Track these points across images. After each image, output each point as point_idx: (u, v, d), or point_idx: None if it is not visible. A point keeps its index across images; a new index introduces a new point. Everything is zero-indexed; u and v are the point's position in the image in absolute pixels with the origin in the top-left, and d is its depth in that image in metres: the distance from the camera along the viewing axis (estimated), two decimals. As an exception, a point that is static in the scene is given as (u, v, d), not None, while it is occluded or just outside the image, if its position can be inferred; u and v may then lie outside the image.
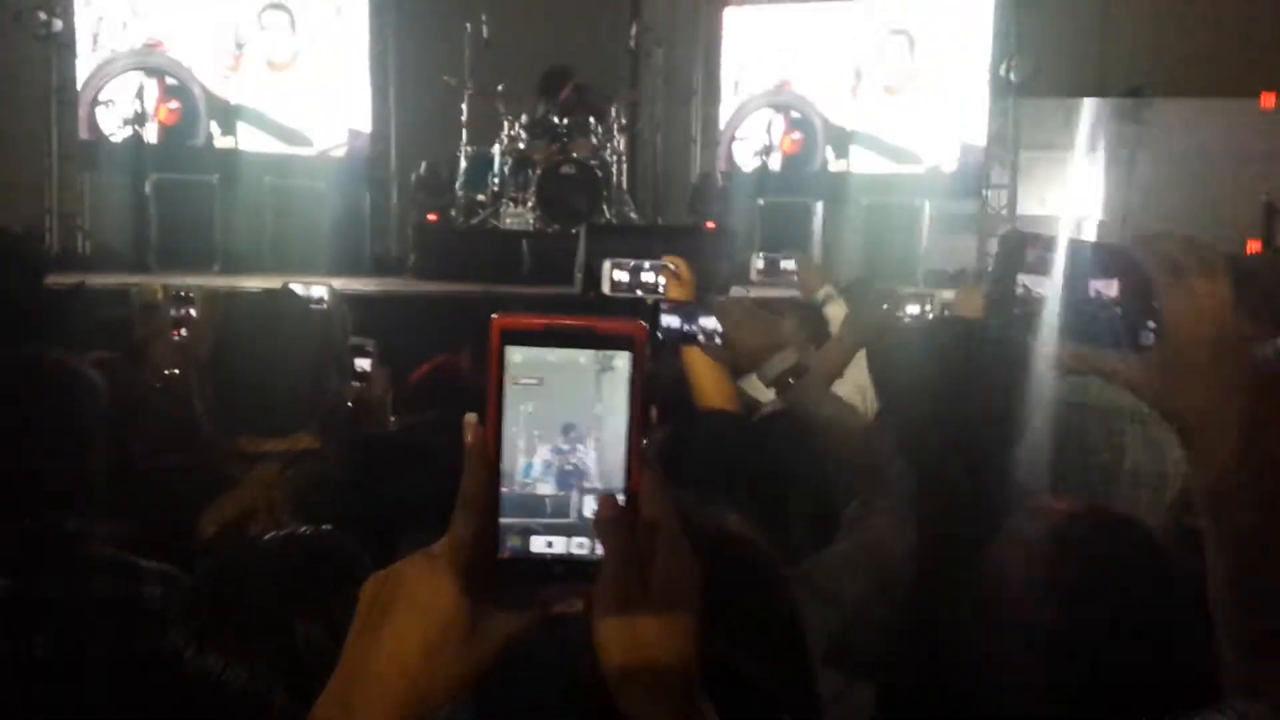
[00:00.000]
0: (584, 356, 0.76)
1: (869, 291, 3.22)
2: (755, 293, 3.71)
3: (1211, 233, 8.89)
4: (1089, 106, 9.46)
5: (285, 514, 1.99)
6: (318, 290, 3.46)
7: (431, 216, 8.34)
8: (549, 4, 9.58)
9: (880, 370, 2.28)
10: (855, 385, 3.10)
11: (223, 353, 2.44)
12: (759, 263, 3.56)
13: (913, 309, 3.37)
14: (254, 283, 5.94)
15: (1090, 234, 8.64)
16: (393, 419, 3.24)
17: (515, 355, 0.77)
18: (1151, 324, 0.90)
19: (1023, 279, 0.93)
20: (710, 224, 8.47)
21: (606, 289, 2.68)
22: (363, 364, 3.14)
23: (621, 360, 0.76)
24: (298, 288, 3.45)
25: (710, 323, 2.10)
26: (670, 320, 2.11)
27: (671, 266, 2.62)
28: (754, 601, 1.08)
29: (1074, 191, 9.56)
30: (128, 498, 2.08)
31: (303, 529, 1.30)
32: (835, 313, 3.25)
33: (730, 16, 9.98)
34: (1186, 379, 0.89)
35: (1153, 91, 9.08)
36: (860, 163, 9.79)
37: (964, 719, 1.26)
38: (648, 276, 2.63)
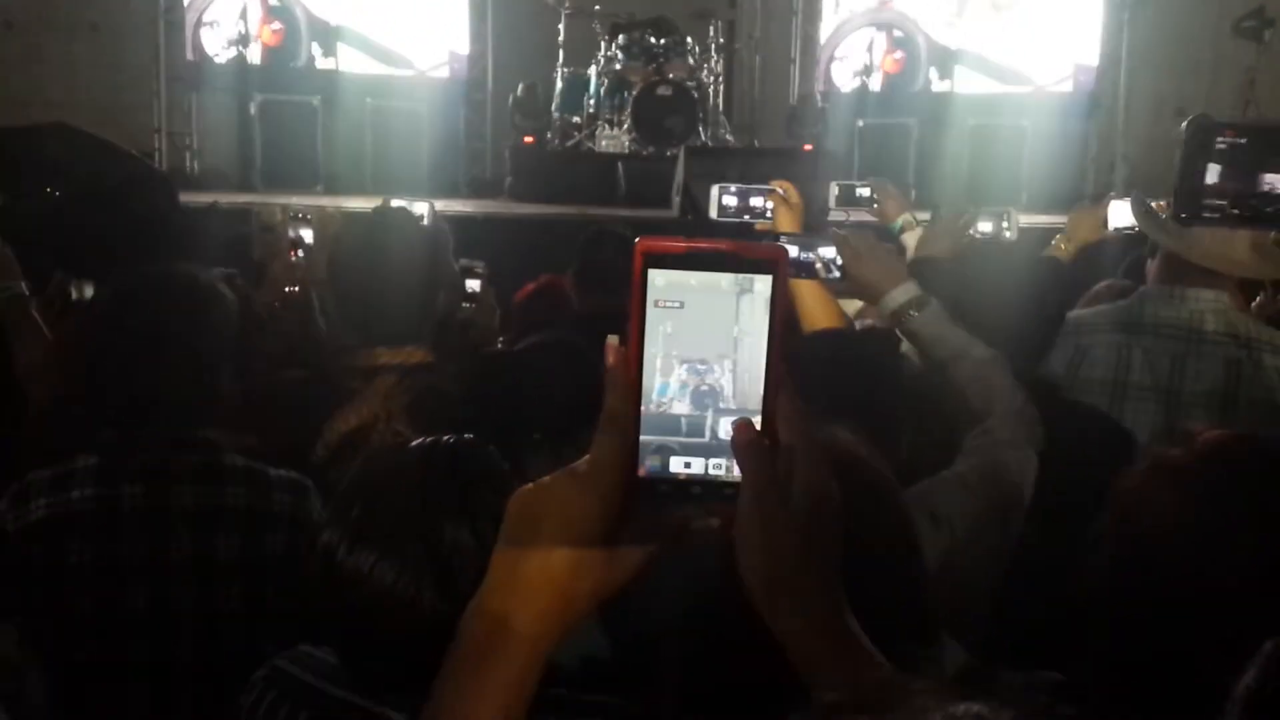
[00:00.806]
0: (725, 280, 0.77)
1: (944, 214, 3.11)
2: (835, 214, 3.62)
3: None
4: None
5: (403, 424, 2.06)
6: (419, 207, 3.51)
7: (528, 139, 8.36)
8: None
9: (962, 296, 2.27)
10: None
11: (337, 270, 2.51)
12: (835, 189, 3.47)
13: (985, 226, 3.29)
14: (356, 203, 6.04)
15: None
16: (500, 338, 3.30)
17: (657, 278, 0.77)
18: None
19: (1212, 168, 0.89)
20: (808, 146, 8.34)
21: (714, 213, 2.67)
22: (471, 284, 3.19)
23: (762, 284, 0.77)
24: (398, 204, 3.51)
25: (829, 253, 2.08)
26: (790, 249, 2.11)
27: (780, 191, 2.59)
28: (872, 521, 1.10)
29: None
30: (254, 410, 2.18)
31: (447, 437, 1.35)
32: (913, 240, 3.18)
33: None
34: None
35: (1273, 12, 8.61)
36: (965, 83, 9.51)
37: (1075, 649, 1.26)
38: (756, 201, 2.62)
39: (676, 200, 6.36)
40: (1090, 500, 1.34)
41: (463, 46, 9.40)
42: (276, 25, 8.98)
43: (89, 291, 2.80)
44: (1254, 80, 8.57)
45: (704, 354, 0.77)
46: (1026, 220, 5.31)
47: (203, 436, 1.99)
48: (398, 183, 7.61)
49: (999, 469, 1.75)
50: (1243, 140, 0.84)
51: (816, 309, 2.25)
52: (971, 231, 3.26)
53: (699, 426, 0.78)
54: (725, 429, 0.78)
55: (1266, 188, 0.85)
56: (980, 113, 9.04)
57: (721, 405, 0.78)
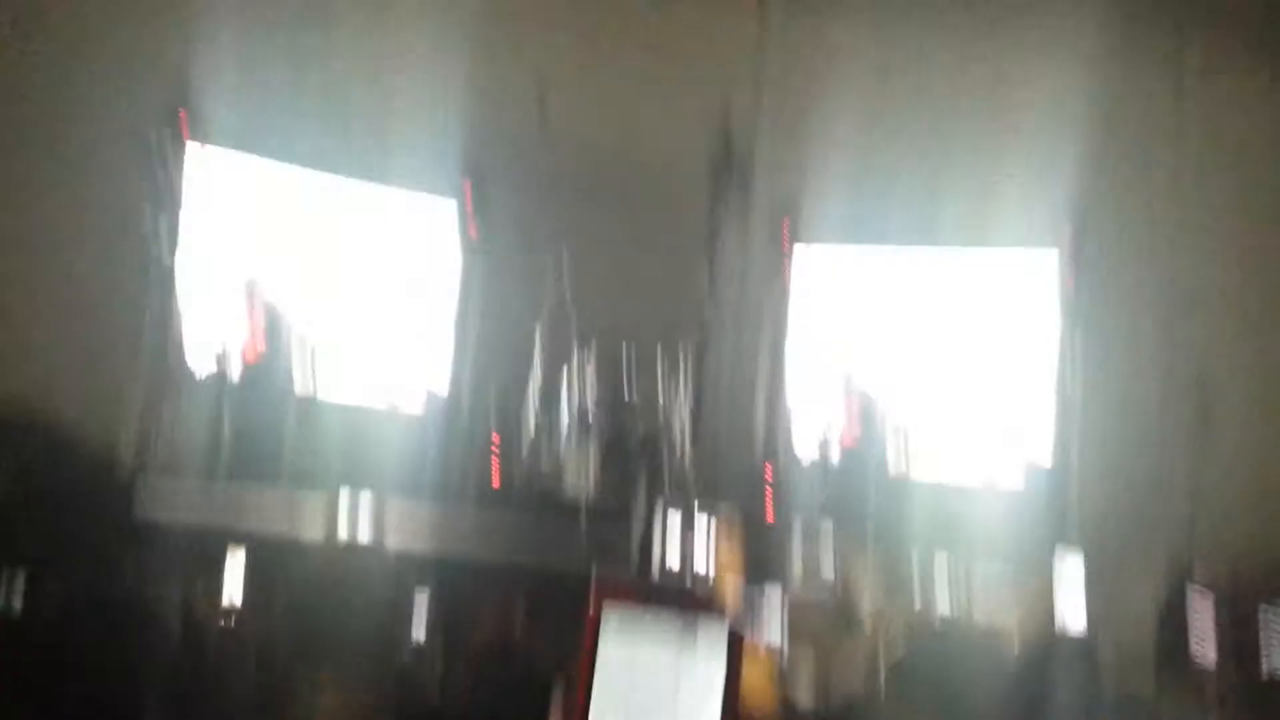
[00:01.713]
0: (675, 637, 0.76)
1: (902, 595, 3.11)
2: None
3: None
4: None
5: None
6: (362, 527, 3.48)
7: (494, 475, 8.44)
8: (625, 251, 10.03)
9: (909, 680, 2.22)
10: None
11: (284, 603, 2.45)
12: (799, 566, 3.47)
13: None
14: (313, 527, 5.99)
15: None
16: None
17: (611, 628, 0.77)
18: None
19: None
20: (769, 512, 8.42)
21: (655, 562, 2.66)
22: (418, 624, 3.13)
23: (714, 644, 0.76)
24: (344, 523, 3.48)
25: (772, 632, 2.06)
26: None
27: (722, 530, 2.60)
28: None
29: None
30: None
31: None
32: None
33: (800, 254, 10.16)
34: None
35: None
36: (923, 463, 9.73)
37: None
38: (698, 543, 2.61)
39: (636, 557, 6.34)
40: None
41: (440, 385, 9.66)
42: (261, 345, 9.25)
43: (15, 605, 2.72)
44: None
45: (659, 712, 0.75)
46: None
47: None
48: (359, 512, 7.53)
49: None
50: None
51: (754, 684, 2.20)
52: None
53: None
54: None
55: None
56: (936, 497, 9.20)
57: None
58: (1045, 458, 9.42)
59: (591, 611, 0.81)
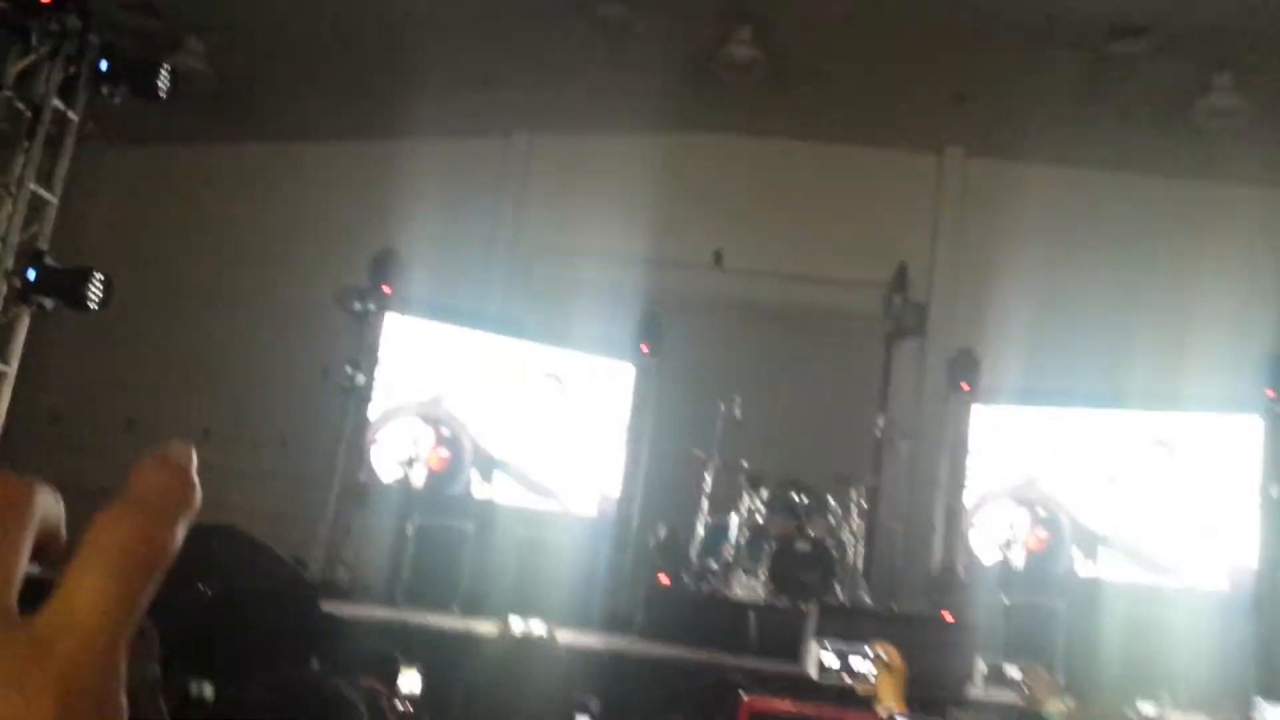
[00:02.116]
0: None
1: (1099, 697, 3.00)
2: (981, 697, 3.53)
3: None
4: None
5: None
6: (536, 624, 3.58)
7: (664, 579, 8.48)
8: (800, 392, 10.05)
9: None
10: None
11: (460, 694, 2.56)
12: (983, 667, 3.41)
13: (1148, 710, 3.13)
14: (486, 625, 6.14)
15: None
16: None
17: None
18: None
19: None
20: (947, 615, 8.17)
21: (813, 672, 2.65)
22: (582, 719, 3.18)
23: None
24: (516, 621, 3.58)
25: None
26: None
27: (883, 655, 2.57)
28: None
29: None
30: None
31: None
32: None
33: (978, 413, 10.09)
34: None
35: None
36: (1112, 569, 9.33)
37: None
38: (857, 662, 2.59)
39: (807, 657, 6.23)
40: None
41: (614, 489, 9.87)
42: (444, 452, 9.66)
43: (208, 691, 2.90)
44: None
45: None
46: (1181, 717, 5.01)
47: None
48: (534, 610, 7.73)
49: None
50: None
51: None
52: (1131, 715, 3.13)
53: None
54: None
55: None
56: (1131, 601, 8.76)
57: None
58: (1252, 557, 8.90)
59: None
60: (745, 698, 0.76)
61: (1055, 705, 3.21)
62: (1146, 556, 9.29)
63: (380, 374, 9.51)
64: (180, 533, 0.47)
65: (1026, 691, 3.33)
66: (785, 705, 0.70)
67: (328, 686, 2.22)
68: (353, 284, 9.51)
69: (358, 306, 9.41)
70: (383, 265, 9.52)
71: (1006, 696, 3.42)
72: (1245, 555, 9.01)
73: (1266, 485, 8.90)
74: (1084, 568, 9.45)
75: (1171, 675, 8.02)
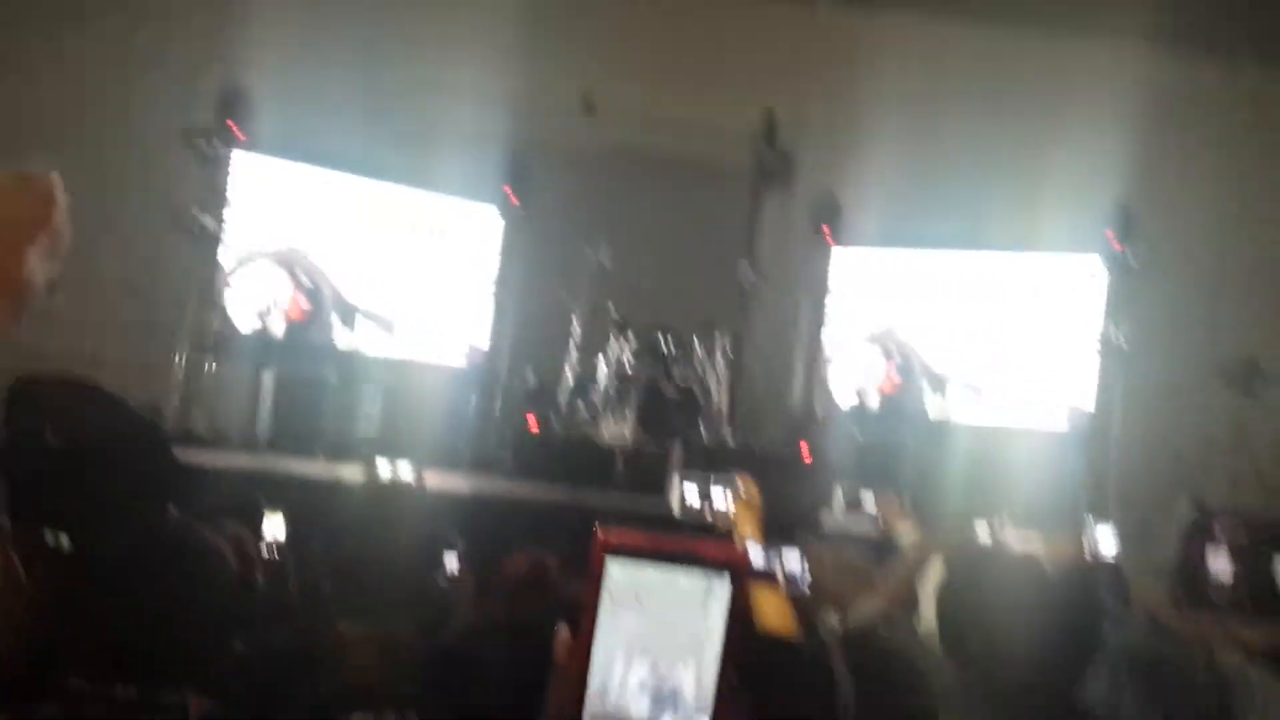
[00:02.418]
0: (684, 579, 0.76)
1: (941, 521, 3.20)
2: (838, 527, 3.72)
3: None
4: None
5: (377, 699, 2.02)
6: (403, 466, 3.58)
7: (532, 422, 8.55)
8: (668, 239, 10.05)
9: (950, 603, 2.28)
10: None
11: (321, 539, 2.53)
12: (840, 499, 3.57)
13: (983, 531, 3.33)
14: (352, 471, 6.11)
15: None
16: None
17: (616, 571, 0.77)
18: None
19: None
20: (805, 452, 8.48)
21: (676, 509, 2.71)
22: (450, 561, 3.20)
23: (720, 586, 0.75)
24: (383, 463, 3.57)
25: (793, 564, 2.10)
26: (752, 556, 2.11)
27: (741, 489, 2.64)
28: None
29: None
30: (228, 672, 2.14)
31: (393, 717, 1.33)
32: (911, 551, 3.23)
33: (838, 256, 10.30)
34: None
35: (1267, 365, 8.96)
36: (959, 410, 9.79)
37: None
38: (716, 497, 2.65)
39: (672, 496, 6.42)
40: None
41: (481, 336, 9.79)
42: (303, 301, 9.39)
43: (64, 541, 2.80)
44: (1245, 427, 8.82)
45: (667, 654, 0.74)
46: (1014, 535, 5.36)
47: (171, 699, 1.94)
48: (399, 455, 7.72)
49: None
50: (1235, 535, 0.88)
51: (772, 614, 2.24)
52: (965, 535, 3.32)
53: None
54: None
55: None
56: (975, 439, 9.23)
57: (681, 710, 0.75)
58: (1089, 401, 9.45)
59: (594, 567, 0.82)
60: (598, 532, 0.77)
61: (905, 530, 3.38)
62: (992, 398, 9.76)
63: (231, 218, 9.11)
64: (36, 258, 0.40)
65: (879, 519, 3.49)
66: (637, 538, 0.71)
67: (190, 532, 2.16)
68: (199, 123, 8.98)
69: (204, 146, 8.91)
70: (230, 103, 8.99)
71: (861, 524, 3.58)
72: (1082, 397, 9.54)
73: (1105, 328, 9.37)
74: (934, 408, 9.90)
75: (1010, 504, 8.58)
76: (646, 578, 0.75)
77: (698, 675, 0.75)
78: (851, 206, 10.16)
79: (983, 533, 3.46)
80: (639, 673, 0.75)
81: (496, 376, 9.73)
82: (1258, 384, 8.81)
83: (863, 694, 2.03)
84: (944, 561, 3.18)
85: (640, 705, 0.75)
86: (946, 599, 2.69)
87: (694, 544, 0.76)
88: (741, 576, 0.74)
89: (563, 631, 0.75)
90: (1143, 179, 9.55)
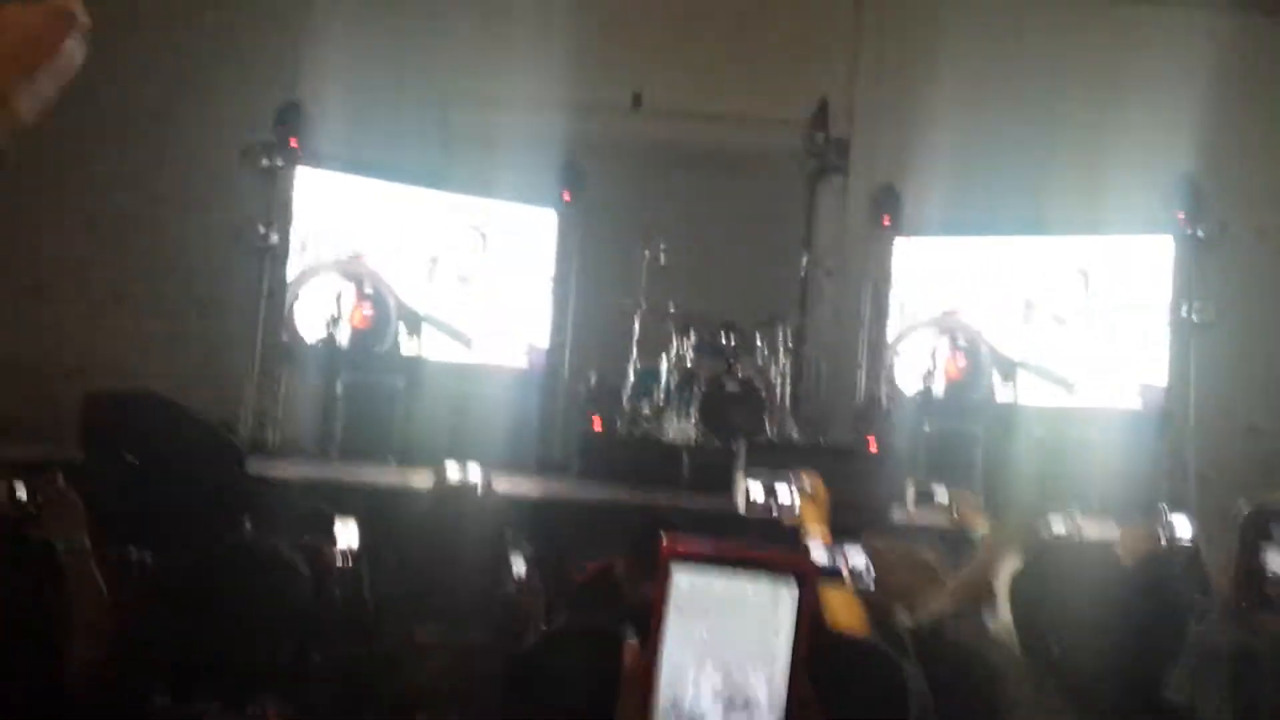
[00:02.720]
0: (751, 585, 0.75)
1: (1015, 513, 3.14)
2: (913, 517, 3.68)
3: None
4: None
5: (453, 709, 2.04)
6: (472, 469, 3.58)
7: (597, 424, 8.57)
8: (724, 234, 10.02)
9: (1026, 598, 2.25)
10: (1002, 624, 3.01)
11: (394, 546, 2.56)
12: (912, 492, 3.52)
13: (1059, 526, 3.27)
14: (421, 476, 6.18)
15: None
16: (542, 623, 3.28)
17: (683, 581, 0.76)
18: None
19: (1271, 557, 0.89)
20: (872, 444, 8.42)
21: (742, 508, 2.69)
22: (519, 567, 3.20)
23: (790, 593, 0.75)
24: (452, 467, 3.57)
25: (859, 561, 2.07)
26: (817, 555, 2.09)
27: (807, 484, 2.61)
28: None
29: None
30: (308, 685, 2.18)
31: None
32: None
33: (900, 246, 10.19)
34: None
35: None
36: (1029, 393, 9.65)
37: None
38: (783, 493, 2.63)
39: (739, 494, 6.39)
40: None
41: (542, 339, 9.86)
42: (368, 310, 9.53)
43: (146, 557, 2.87)
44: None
45: (738, 662, 0.74)
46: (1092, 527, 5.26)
47: (254, 711, 1.97)
48: (469, 460, 7.77)
49: None
50: None
51: (841, 613, 2.23)
52: (1041, 531, 3.26)
53: None
54: None
55: None
56: (1046, 423, 9.08)
57: (757, 716, 0.75)
58: (1160, 376, 9.27)
59: (660, 576, 0.82)
60: (665, 539, 0.77)
61: (977, 523, 3.33)
62: (1061, 379, 9.60)
63: (295, 232, 9.27)
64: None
65: (954, 514, 3.44)
66: (703, 546, 0.71)
67: (265, 547, 2.20)
68: (258, 139, 9.15)
69: (265, 162, 9.08)
70: (288, 118, 9.15)
71: (934, 519, 3.53)
72: (1155, 375, 9.35)
73: (1176, 305, 9.17)
74: (1002, 393, 9.76)
75: (1085, 491, 8.44)
76: (713, 585, 0.75)
77: (770, 682, 0.75)
78: (911, 194, 10.04)
79: (1056, 524, 3.39)
80: (712, 681, 0.75)
81: (559, 378, 9.78)
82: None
83: (936, 691, 2.01)
84: (1019, 555, 3.14)
85: (714, 714, 0.75)
86: (1021, 593, 2.66)
87: (760, 551, 0.76)
88: (809, 581, 0.73)
89: (631, 641, 0.74)
90: (1211, 153, 9.33)
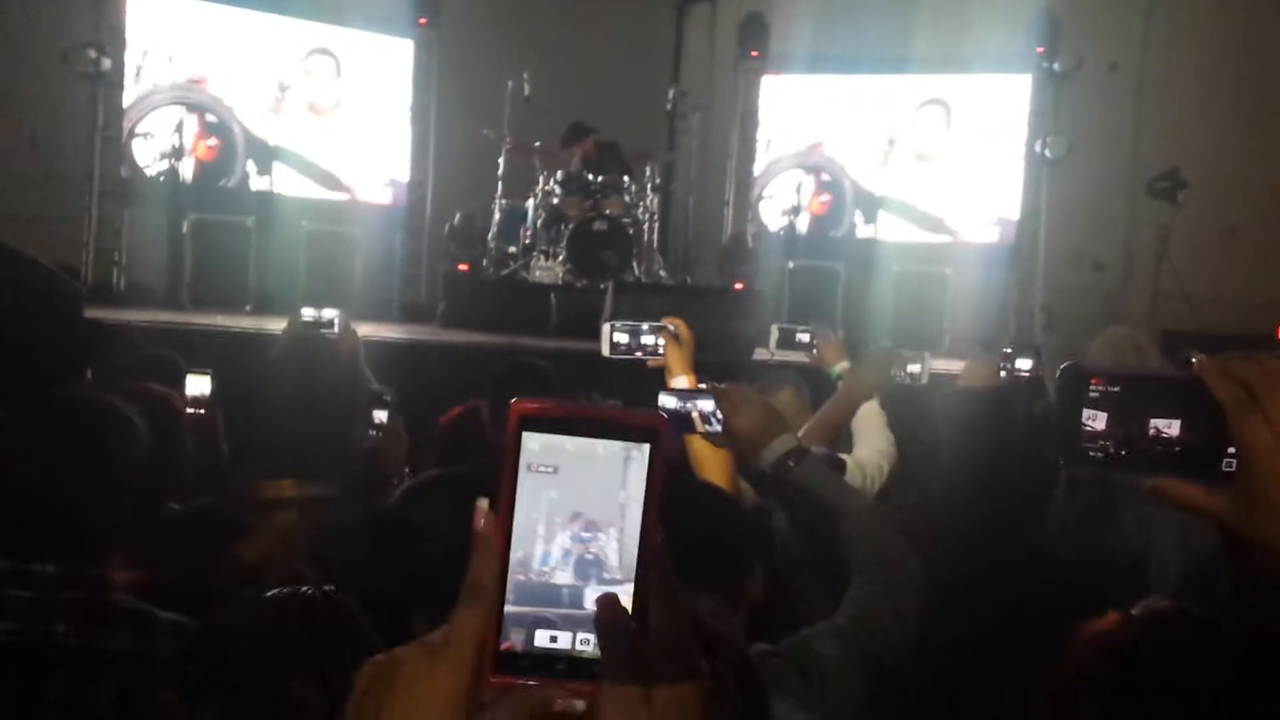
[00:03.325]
0: (602, 445, 0.75)
1: (871, 353, 3.23)
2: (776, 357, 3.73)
3: (1243, 314, 8.94)
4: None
5: (301, 563, 1.99)
6: (329, 313, 3.47)
7: (462, 266, 8.40)
8: (589, 65, 9.73)
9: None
10: (856, 460, 3.11)
11: (244, 396, 2.46)
12: (775, 333, 3.55)
13: (913, 368, 3.37)
14: (278, 323, 5.99)
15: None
16: (406, 468, 3.23)
17: (532, 442, 0.75)
18: (1231, 452, 0.86)
19: (1087, 413, 0.90)
20: (739, 285, 8.48)
21: (606, 350, 2.68)
22: (379, 413, 3.13)
23: (640, 451, 0.75)
24: (308, 312, 3.46)
25: (708, 406, 2.07)
26: (667, 403, 2.08)
27: (671, 327, 2.61)
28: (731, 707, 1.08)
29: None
30: (153, 541, 2.09)
31: (304, 589, 1.30)
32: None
33: (767, 83, 10.09)
34: (1271, 512, 0.84)
35: (1186, 174, 9.05)
36: (890, 229, 9.83)
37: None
38: (647, 339, 2.62)
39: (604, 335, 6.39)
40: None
41: (402, 174, 9.52)
42: (212, 141, 9.02)
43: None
44: (1167, 237, 8.98)
45: (588, 521, 0.75)
46: (945, 365, 5.46)
47: (92, 573, 1.89)
48: (328, 304, 7.53)
49: (873, 618, 1.76)
50: (1115, 388, 0.87)
51: (708, 465, 2.25)
52: (895, 372, 3.35)
53: (579, 598, 0.74)
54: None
55: (1152, 431, 0.87)
56: (905, 259, 9.30)
57: (605, 576, 0.74)
58: (1014, 210, 9.55)
59: (509, 439, 0.79)
60: (513, 403, 0.75)
61: (842, 365, 3.39)
62: (922, 215, 9.81)
63: (129, 57, 8.63)
64: None
65: (815, 352, 3.49)
66: (554, 408, 0.69)
67: (97, 399, 2.07)
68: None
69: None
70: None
71: (797, 357, 3.59)
72: (1011, 210, 9.63)
73: (1032, 140, 9.38)
74: (864, 229, 9.93)
75: (940, 328, 8.75)
76: (565, 445, 0.74)
77: (620, 539, 0.74)
78: (778, 27, 9.89)
79: (912, 362, 3.48)
80: (560, 540, 0.74)
81: (422, 217, 9.51)
82: (1179, 193, 8.91)
83: (791, 529, 2.06)
84: (871, 394, 3.21)
85: (564, 572, 0.74)
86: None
87: (611, 412, 0.75)
88: (660, 438, 0.72)
89: (481, 504, 0.73)
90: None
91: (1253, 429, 0.84)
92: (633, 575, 0.73)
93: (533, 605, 0.74)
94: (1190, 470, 0.88)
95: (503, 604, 0.73)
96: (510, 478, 0.73)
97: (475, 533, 0.72)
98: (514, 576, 0.73)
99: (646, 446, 0.73)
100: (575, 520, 0.73)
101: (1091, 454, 0.90)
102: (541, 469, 0.73)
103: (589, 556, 0.74)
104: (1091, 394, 0.90)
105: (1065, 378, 0.91)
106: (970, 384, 3.57)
